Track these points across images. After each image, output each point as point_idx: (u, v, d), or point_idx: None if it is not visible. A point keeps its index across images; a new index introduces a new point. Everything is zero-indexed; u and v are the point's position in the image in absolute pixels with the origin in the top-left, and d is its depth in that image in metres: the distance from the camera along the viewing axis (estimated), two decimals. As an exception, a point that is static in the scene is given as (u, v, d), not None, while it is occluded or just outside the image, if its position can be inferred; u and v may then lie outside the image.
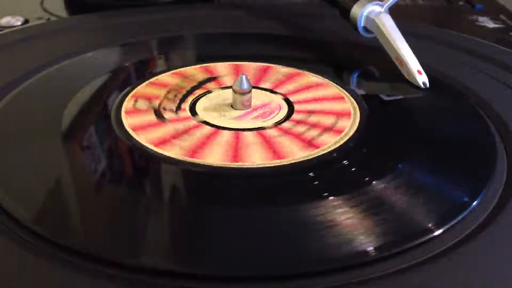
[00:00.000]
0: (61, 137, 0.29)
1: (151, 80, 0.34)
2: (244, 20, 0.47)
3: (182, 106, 0.32)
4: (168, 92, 0.33)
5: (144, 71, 0.37)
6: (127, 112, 0.30)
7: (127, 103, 0.31)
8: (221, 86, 0.34)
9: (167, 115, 0.31)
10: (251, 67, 0.37)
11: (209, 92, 0.33)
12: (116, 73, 0.37)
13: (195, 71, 0.36)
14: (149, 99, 0.32)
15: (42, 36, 0.42)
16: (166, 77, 0.35)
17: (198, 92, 0.33)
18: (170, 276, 0.20)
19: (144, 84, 0.34)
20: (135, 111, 0.31)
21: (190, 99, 0.32)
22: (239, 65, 0.37)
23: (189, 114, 0.31)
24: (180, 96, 0.33)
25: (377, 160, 0.27)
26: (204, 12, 0.49)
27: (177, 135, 0.29)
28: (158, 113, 0.31)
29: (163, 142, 0.28)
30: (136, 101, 0.32)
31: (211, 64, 0.37)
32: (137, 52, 0.40)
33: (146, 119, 0.30)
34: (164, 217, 0.24)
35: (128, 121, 0.30)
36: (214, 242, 0.22)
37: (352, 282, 0.20)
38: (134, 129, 0.29)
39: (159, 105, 0.32)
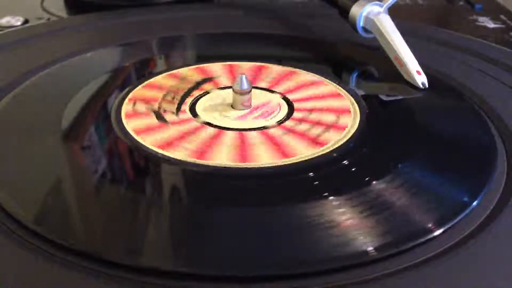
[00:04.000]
0: (61, 137, 0.29)
1: (147, 82, 0.34)
2: (243, 20, 0.47)
3: (182, 107, 0.31)
4: (166, 94, 0.33)
5: (144, 71, 0.37)
6: (127, 115, 0.30)
7: (126, 106, 0.31)
8: (219, 87, 0.34)
9: (168, 117, 0.31)
10: (245, 66, 0.37)
11: (207, 93, 0.33)
12: (116, 73, 0.37)
13: (191, 72, 0.36)
14: (147, 101, 0.32)
15: (42, 36, 0.42)
16: (162, 79, 0.35)
17: (196, 93, 0.33)
18: (170, 276, 0.20)
19: (140, 86, 0.34)
20: (135, 114, 0.30)
21: (189, 100, 0.32)
22: (233, 65, 0.37)
23: (190, 115, 0.31)
24: (178, 98, 0.33)
25: (377, 160, 0.27)
26: (204, 12, 0.49)
27: (181, 137, 0.28)
28: (159, 116, 0.31)
29: (169, 144, 0.28)
30: (134, 104, 0.32)
31: (206, 65, 0.37)
32: (137, 52, 0.40)
33: (147, 122, 0.30)
34: (168, 218, 0.24)
35: (129, 124, 0.29)
36: (214, 242, 0.22)
37: (352, 282, 0.20)
38: (136, 132, 0.29)
39: (159, 107, 0.31)
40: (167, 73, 0.36)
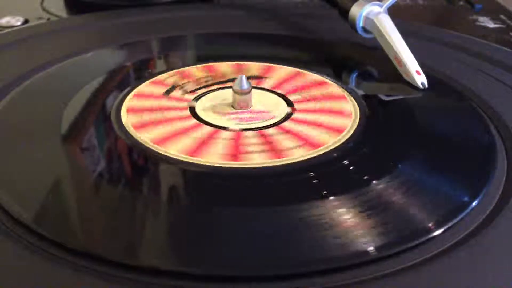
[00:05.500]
0: (61, 137, 0.29)
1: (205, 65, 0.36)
2: (243, 20, 0.47)
3: (190, 93, 0.33)
4: (194, 79, 0.35)
5: (144, 71, 0.37)
6: (134, 127, 0.30)
7: (128, 112, 0.31)
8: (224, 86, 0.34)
9: (175, 93, 0.33)
10: (253, 67, 0.37)
11: (207, 92, 0.33)
12: (116, 73, 0.37)
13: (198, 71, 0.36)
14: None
15: (42, 36, 0.42)
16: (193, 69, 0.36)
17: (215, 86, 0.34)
18: (170, 276, 0.20)
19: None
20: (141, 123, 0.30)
21: (202, 91, 0.33)
22: (242, 64, 0.37)
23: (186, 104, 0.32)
24: (197, 86, 0.34)
25: (377, 160, 0.27)
26: (204, 12, 0.49)
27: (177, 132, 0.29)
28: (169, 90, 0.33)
29: (166, 139, 0.28)
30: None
31: (215, 64, 0.37)
32: (137, 52, 0.40)
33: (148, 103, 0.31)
34: (168, 217, 0.24)
35: (137, 131, 0.29)
36: (214, 242, 0.22)
37: (352, 282, 0.20)
38: (128, 111, 0.30)
39: (178, 84, 0.34)
40: (202, 64, 0.37)
